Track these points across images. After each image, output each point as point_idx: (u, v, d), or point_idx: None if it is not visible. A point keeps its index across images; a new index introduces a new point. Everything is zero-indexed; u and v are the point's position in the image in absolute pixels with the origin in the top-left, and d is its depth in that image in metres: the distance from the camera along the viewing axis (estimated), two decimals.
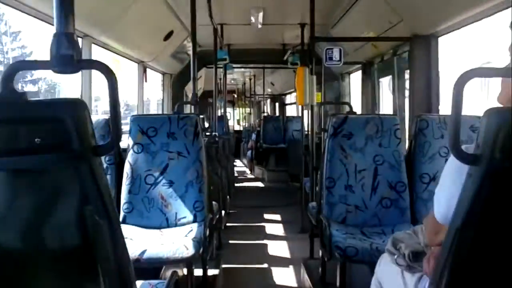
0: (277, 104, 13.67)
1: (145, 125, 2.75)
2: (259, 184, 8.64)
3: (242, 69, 9.84)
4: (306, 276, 3.28)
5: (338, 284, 2.41)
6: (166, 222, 2.70)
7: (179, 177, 2.72)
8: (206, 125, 5.65)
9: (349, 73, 6.43)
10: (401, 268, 1.51)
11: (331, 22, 5.03)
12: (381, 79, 5.04)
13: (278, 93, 12.61)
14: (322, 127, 4.25)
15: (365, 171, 2.77)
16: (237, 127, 15.83)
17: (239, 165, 11.10)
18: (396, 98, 4.43)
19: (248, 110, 15.37)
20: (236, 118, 16.81)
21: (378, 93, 5.15)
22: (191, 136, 2.75)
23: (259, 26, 4.96)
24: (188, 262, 2.38)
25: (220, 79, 11.89)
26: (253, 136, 10.41)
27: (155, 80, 6.20)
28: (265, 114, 11.99)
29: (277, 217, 5.71)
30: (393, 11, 3.85)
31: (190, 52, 3.74)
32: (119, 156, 2.78)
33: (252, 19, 4.83)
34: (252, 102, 14.75)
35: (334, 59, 3.70)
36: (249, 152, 10.43)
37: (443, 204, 1.17)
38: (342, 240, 2.34)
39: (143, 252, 2.26)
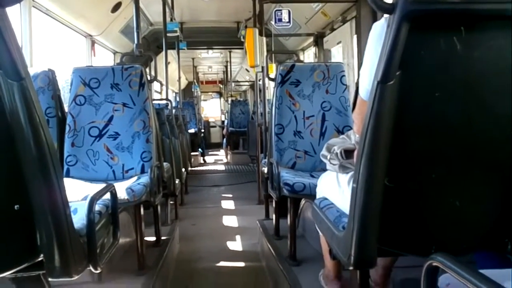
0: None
1: (87, 77, 2.65)
2: (221, 167, 8.61)
3: (203, 52, 9.73)
4: (261, 233, 3.28)
5: (288, 222, 2.42)
6: (113, 175, 2.61)
7: (125, 129, 2.64)
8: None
9: (303, 50, 6.51)
10: (334, 170, 1.52)
11: None
12: (332, 48, 5.12)
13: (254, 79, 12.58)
14: None
15: (313, 117, 2.80)
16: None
17: (221, 154, 10.98)
18: (346, 62, 4.51)
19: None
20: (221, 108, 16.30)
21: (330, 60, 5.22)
22: (136, 86, 2.67)
23: None
24: (136, 207, 2.32)
25: (196, 66, 11.82)
26: (226, 122, 10.38)
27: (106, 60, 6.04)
28: (233, 98, 11.99)
29: (235, 193, 5.72)
30: None
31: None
32: (60, 109, 2.68)
33: None
34: (239, 91, 14.52)
35: (283, 20, 3.72)
36: (224, 139, 10.38)
37: (367, 77, 1.15)
38: (290, 178, 2.35)
39: (85, 197, 2.17)
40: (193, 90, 11.67)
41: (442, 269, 0.76)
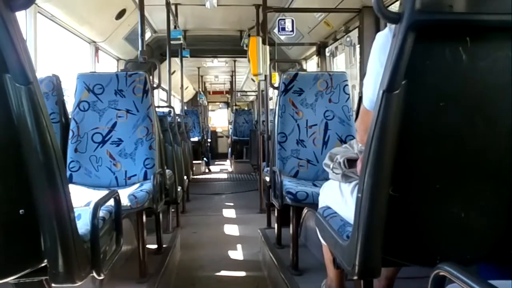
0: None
1: (92, 83, 2.66)
2: (224, 175, 8.61)
3: (208, 61, 9.74)
4: (263, 242, 3.27)
5: (290, 231, 2.41)
6: (116, 181, 2.61)
7: (128, 135, 2.64)
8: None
9: (305, 59, 6.53)
10: (337, 179, 1.52)
11: (285, 2, 5.10)
12: (335, 58, 5.14)
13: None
14: None
15: (316, 126, 2.81)
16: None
17: (227, 164, 10.97)
18: (349, 71, 4.52)
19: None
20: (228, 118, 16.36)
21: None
22: (140, 93, 2.68)
23: (215, 6, 4.95)
24: (138, 214, 2.31)
25: (202, 76, 11.81)
26: (230, 131, 10.41)
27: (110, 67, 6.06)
28: (237, 107, 11.96)
29: (237, 202, 5.71)
30: None
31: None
32: (64, 115, 2.68)
33: None
34: (246, 101, 14.42)
35: (287, 29, 3.74)
36: (229, 149, 10.39)
37: (371, 87, 1.16)
38: (293, 187, 2.34)
39: (89, 203, 2.17)
40: (198, 99, 11.69)
41: (449, 278, 0.76)
